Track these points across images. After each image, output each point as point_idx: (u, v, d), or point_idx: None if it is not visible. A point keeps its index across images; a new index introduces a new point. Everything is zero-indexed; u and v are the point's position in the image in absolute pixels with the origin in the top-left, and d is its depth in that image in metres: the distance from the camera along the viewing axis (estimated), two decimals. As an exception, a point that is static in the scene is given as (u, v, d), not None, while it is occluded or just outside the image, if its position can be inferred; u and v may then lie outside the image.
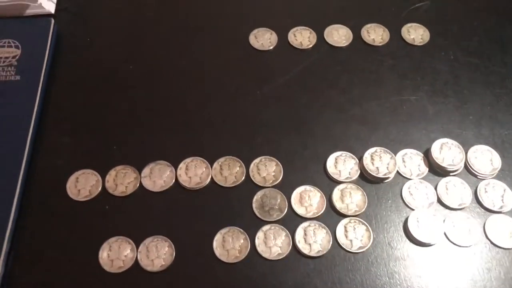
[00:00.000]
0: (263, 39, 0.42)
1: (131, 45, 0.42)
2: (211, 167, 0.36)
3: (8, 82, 0.38)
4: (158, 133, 0.37)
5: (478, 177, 0.36)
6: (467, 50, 0.42)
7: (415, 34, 0.43)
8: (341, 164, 0.36)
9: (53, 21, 0.41)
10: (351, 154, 0.36)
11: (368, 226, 0.34)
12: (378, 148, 0.36)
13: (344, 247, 0.33)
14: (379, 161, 0.36)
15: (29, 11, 0.42)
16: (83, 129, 0.38)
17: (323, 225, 0.34)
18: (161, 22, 0.44)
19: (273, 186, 0.35)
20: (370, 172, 0.35)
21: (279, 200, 0.35)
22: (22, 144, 0.35)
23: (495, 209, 0.35)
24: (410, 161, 0.36)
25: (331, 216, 0.34)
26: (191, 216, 0.34)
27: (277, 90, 0.40)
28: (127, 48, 0.42)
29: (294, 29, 0.43)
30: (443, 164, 0.36)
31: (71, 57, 0.41)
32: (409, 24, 0.43)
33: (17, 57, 0.39)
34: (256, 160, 0.36)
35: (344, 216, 0.34)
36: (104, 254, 0.33)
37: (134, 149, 0.37)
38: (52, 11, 0.43)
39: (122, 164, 0.36)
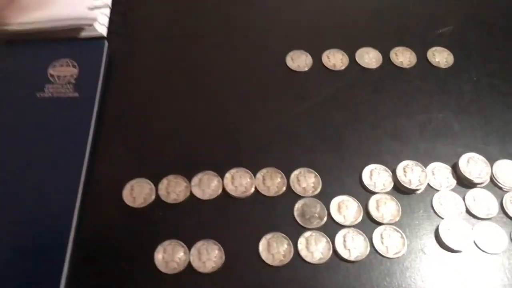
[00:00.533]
0: (299, 60, 0.46)
1: (177, 60, 0.46)
2: (255, 177, 0.39)
3: (67, 99, 0.41)
4: (204, 144, 0.41)
5: (503, 189, 0.39)
6: (489, 72, 0.45)
7: (440, 57, 0.46)
8: (376, 176, 0.39)
9: (106, 43, 0.45)
10: (385, 167, 0.39)
11: (402, 233, 0.36)
12: (409, 162, 0.39)
13: (381, 253, 0.36)
14: (411, 173, 0.39)
15: (84, 34, 0.45)
16: (135, 141, 0.41)
17: (360, 232, 0.36)
18: (205, 41, 0.47)
19: (313, 196, 0.38)
20: (403, 184, 0.38)
21: (318, 209, 0.38)
22: (81, 156, 0.39)
23: (520, 219, 0.37)
24: (439, 173, 0.39)
25: (368, 224, 0.37)
26: (237, 222, 0.37)
27: (313, 108, 0.43)
28: (173, 64, 0.45)
29: (328, 51, 0.46)
30: (470, 177, 0.38)
31: (122, 74, 0.45)
32: (434, 48, 0.47)
33: (75, 75, 0.43)
34: (296, 172, 0.39)
35: (380, 224, 0.37)
36: (159, 256, 0.35)
37: (183, 159, 0.40)
38: (104, 34, 0.46)
39: (173, 173, 0.39)
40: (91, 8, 0.46)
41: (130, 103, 0.43)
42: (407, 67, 0.46)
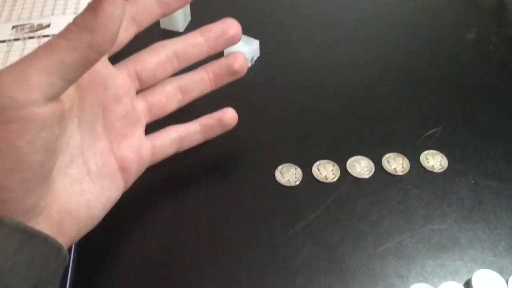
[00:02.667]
0: (288, 174, 0.43)
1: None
2: (254, 317, 0.35)
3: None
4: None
5: (524, 308, 0.36)
6: (485, 173, 0.44)
7: (434, 161, 0.44)
8: (386, 305, 0.36)
9: None
10: (394, 293, 0.36)
11: None
12: (420, 285, 0.36)
13: None
14: (423, 299, 0.35)
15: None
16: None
17: None
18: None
19: (319, 334, 0.34)
20: (417, 312, 0.35)
21: None
22: None
23: None
24: (453, 295, 0.36)
25: None
26: None
27: (309, 227, 0.40)
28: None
29: (317, 163, 0.44)
30: (488, 298, 0.35)
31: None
32: (426, 152, 0.45)
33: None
34: (299, 306, 0.36)
35: None
36: None
37: None
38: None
39: None
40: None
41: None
42: (401, 174, 0.44)
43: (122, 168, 0.36)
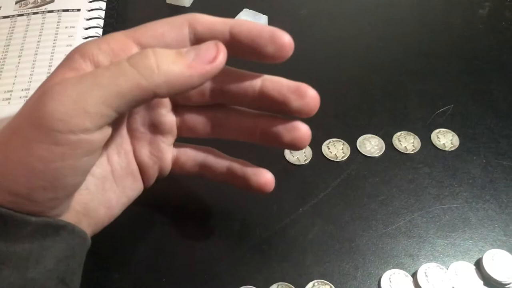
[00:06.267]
0: (297, 153, 0.43)
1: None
2: (264, 296, 0.35)
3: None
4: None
5: (534, 288, 0.36)
6: (497, 152, 0.43)
7: (445, 139, 0.44)
8: (396, 284, 0.36)
9: None
10: (404, 272, 0.36)
11: None
12: (430, 264, 0.36)
13: None
14: (434, 278, 0.35)
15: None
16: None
17: None
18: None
19: (330, 312, 0.35)
20: (427, 291, 0.35)
21: (337, 328, 0.34)
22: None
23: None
24: (464, 274, 0.36)
25: None
26: None
27: (319, 206, 0.40)
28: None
29: (327, 141, 0.44)
30: (498, 278, 0.35)
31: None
32: (437, 130, 0.45)
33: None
34: (310, 285, 0.35)
35: None
36: None
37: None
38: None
39: None
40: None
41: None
42: (412, 152, 0.43)
43: (141, 171, 0.35)
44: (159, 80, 0.26)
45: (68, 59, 0.28)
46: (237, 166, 0.35)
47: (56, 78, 0.26)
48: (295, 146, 0.33)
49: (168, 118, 0.34)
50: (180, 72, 0.26)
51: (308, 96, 0.30)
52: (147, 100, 0.27)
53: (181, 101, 0.34)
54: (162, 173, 0.36)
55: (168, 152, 0.35)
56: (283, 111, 0.32)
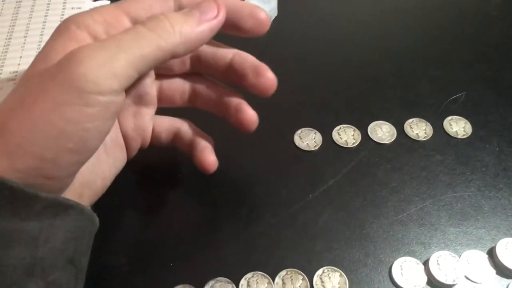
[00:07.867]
0: (307, 139, 0.42)
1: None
2: (273, 282, 0.35)
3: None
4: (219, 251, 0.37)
5: (548, 277, 0.35)
6: (510, 140, 0.43)
7: (457, 127, 0.43)
8: (407, 271, 0.35)
9: None
10: (416, 260, 0.36)
11: None
12: (442, 252, 0.36)
13: None
14: (446, 266, 0.35)
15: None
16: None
17: None
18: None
19: (340, 299, 0.34)
20: (439, 279, 0.34)
21: (348, 315, 0.33)
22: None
23: None
24: (476, 263, 0.35)
25: (404, 329, 0.33)
26: None
27: (329, 192, 0.39)
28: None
29: (338, 127, 0.43)
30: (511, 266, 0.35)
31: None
32: (450, 117, 0.44)
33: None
34: (319, 272, 0.35)
35: (418, 329, 0.33)
36: None
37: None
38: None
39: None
40: None
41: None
42: (424, 139, 0.43)
43: (126, 143, 0.36)
44: (176, 40, 0.28)
45: (64, 30, 0.28)
46: (202, 142, 0.37)
47: (59, 48, 0.27)
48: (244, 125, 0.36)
49: (152, 89, 0.35)
50: (192, 30, 0.29)
51: (264, 76, 0.33)
52: (165, 60, 0.29)
53: (163, 70, 0.36)
54: (144, 145, 0.37)
55: (150, 124, 0.36)
56: (243, 85, 0.34)
